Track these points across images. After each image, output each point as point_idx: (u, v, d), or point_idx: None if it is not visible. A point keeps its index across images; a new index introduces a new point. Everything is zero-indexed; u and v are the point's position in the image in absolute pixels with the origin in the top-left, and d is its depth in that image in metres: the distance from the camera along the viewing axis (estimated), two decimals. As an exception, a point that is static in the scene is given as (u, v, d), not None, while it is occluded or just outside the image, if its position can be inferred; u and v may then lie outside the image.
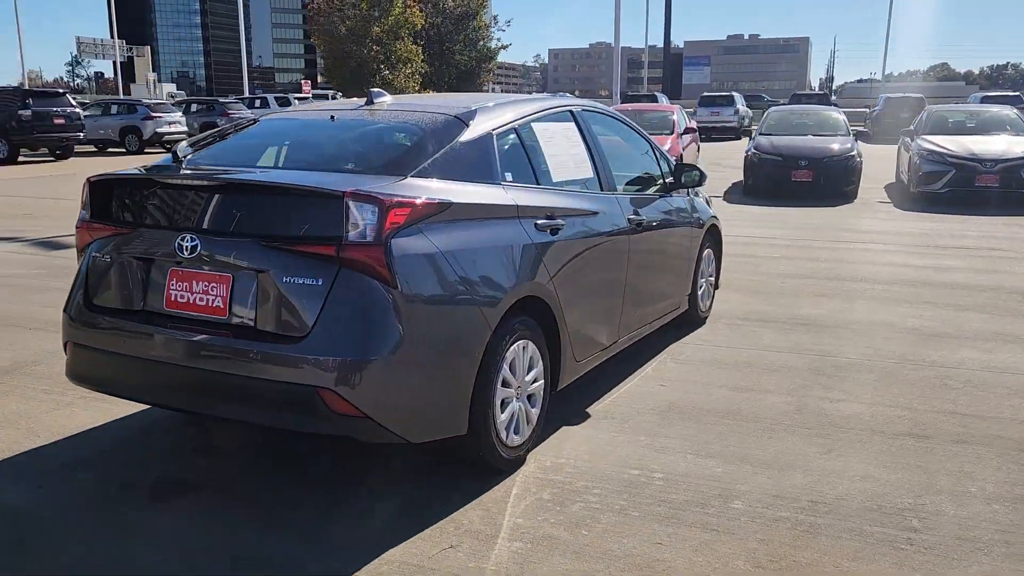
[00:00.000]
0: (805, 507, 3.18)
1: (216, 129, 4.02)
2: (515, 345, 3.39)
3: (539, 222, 3.58)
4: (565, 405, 4.15)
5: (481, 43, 25.40)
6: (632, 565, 2.78)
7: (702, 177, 5.23)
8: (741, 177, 14.67)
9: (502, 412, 3.35)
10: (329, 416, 2.82)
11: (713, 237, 5.92)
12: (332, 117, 3.82)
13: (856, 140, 14.07)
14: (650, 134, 5.39)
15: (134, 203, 3.29)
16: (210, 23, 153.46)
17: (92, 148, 27.03)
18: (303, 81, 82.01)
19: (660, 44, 44.65)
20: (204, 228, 3.04)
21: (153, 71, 74.38)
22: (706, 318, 5.88)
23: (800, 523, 3.06)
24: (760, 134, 14.74)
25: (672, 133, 13.83)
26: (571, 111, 4.33)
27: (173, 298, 3.04)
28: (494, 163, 3.51)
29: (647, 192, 5.01)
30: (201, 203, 3.11)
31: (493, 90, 37.40)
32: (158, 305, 3.08)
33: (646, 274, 4.69)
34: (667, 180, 5.09)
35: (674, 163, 5.33)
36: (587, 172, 4.23)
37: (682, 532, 2.99)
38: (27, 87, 29.21)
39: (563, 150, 4.07)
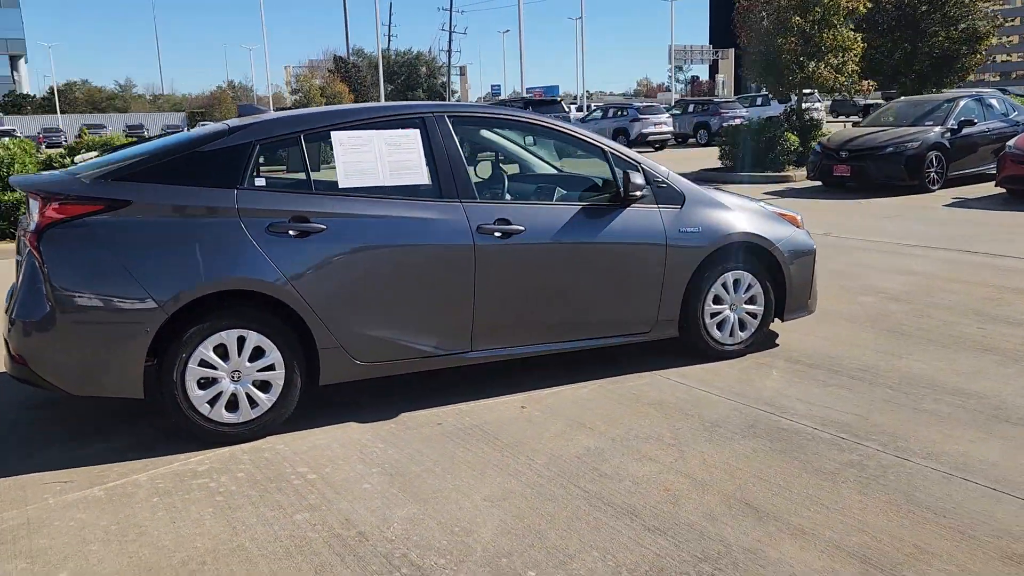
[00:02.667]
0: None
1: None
2: (224, 332, 3.80)
3: (274, 222, 3.88)
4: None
5: (966, 22, 21.12)
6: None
7: (644, 186, 4.59)
8: None
9: (201, 390, 3.81)
10: (11, 360, 3.73)
11: (753, 260, 5.01)
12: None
13: None
14: None
15: None
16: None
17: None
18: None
19: None
20: None
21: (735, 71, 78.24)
22: (735, 352, 5.04)
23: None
24: None
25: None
26: (424, 118, 4.35)
27: None
28: (241, 169, 3.92)
29: (558, 202, 4.66)
30: None
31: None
32: None
33: (537, 290, 4.43)
34: (630, 191, 4.59)
35: (654, 174, 4.77)
36: (420, 179, 4.24)
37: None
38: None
39: (370, 158, 4.17)
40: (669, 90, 67.24)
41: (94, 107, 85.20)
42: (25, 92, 75.58)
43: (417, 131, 4.31)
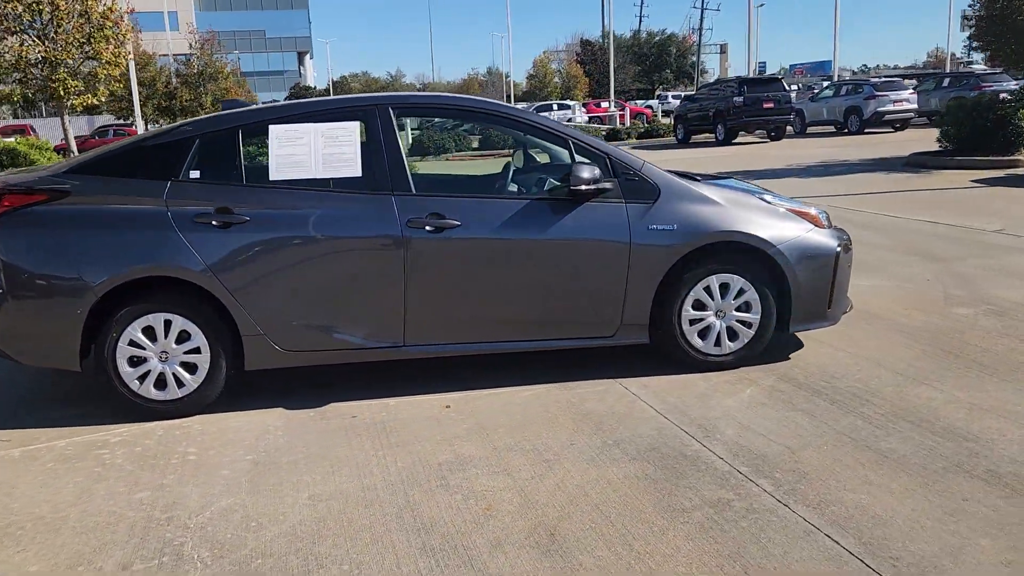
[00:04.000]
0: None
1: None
2: (152, 315, 4.10)
3: (199, 213, 4.09)
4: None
5: None
6: None
7: (593, 180, 4.23)
8: None
9: (131, 367, 4.13)
10: None
11: (746, 262, 4.48)
12: None
13: None
14: None
15: None
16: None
17: (831, 129, 27.93)
18: None
19: None
20: None
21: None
22: (723, 364, 4.55)
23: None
24: None
25: None
26: (365, 111, 4.34)
27: None
28: (178, 162, 4.17)
29: (503, 196, 4.48)
30: None
31: None
32: None
33: (478, 286, 4.30)
34: (572, 184, 4.31)
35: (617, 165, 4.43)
36: (353, 172, 4.25)
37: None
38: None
39: (304, 151, 4.24)
40: (971, 61, 59.49)
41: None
42: (308, 85, 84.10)
43: (357, 124, 4.32)
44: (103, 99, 17.61)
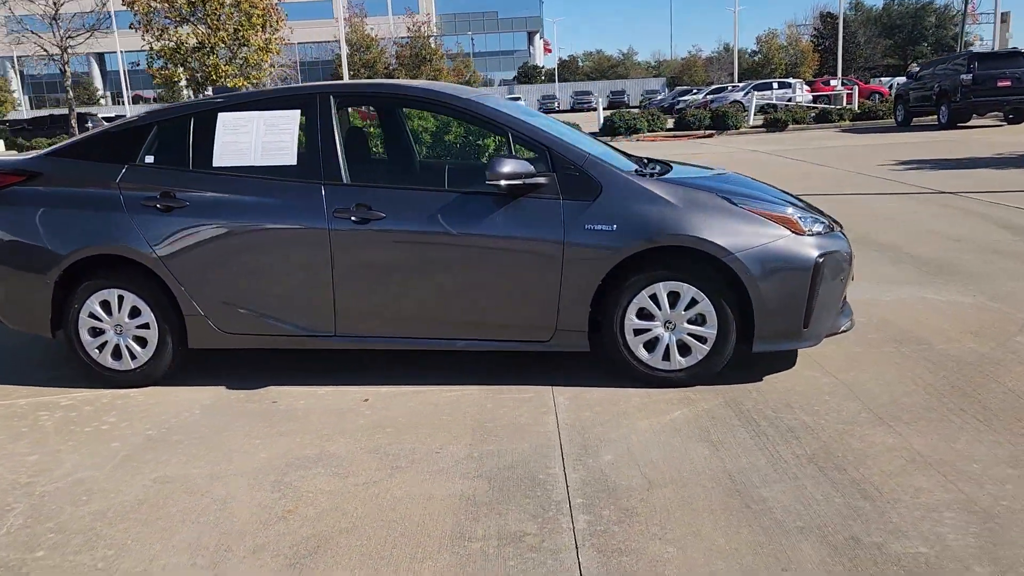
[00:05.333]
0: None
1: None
2: (104, 291, 4.41)
3: (146, 197, 4.33)
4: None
5: None
6: None
7: (515, 175, 3.95)
8: None
9: (91, 336, 4.47)
10: None
11: (699, 270, 4.03)
12: None
13: None
14: None
15: None
16: None
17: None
18: None
19: None
20: None
21: None
22: (675, 380, 4.13)
23: None
24: None
25: None
26: (306, 99, 4.35)
27: None
28: (136, 147, 4.43)
29: (433, 188, 4.34)
30: None
31: None
32: None
33: (403, 280, 4.21)
34: (487, 179, 4.06)
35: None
36: (289, 160, 4.29)
37: None
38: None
39: (244, 138, 4.32)
40: None
41: (601, 75, 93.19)
42: (536, 64, 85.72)
43: (297, 112, 4.34)
44: (257, 83, 19.01)
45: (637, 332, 4.12)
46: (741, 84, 44.44)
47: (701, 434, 3.58)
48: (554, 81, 75.54)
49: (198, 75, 17.21)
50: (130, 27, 17.05)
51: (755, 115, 30.18)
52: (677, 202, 4.06)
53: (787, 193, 4.77)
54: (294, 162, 4.28)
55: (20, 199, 4.49)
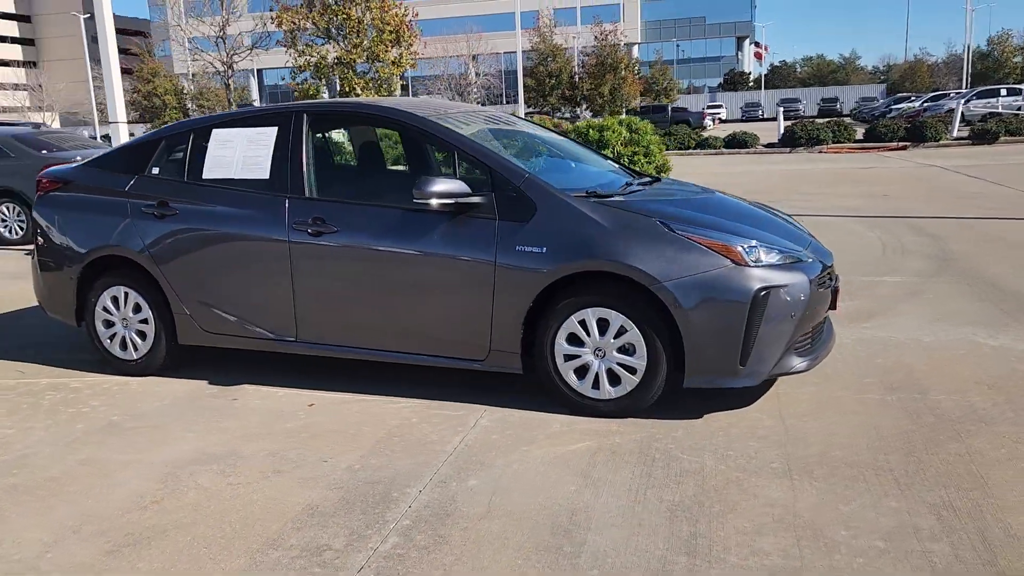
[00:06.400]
0: None
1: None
2: (114, 287, 4.93)
3: (146, 204, 4.79)
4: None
5: None
6: None
7: (446, 194, 3.98)
8: None
9: (105, 328, 5.01)
10: None
11: (629, 298, 3.87)
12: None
13: None
14: None
15: None
16: None
17: None
18: None
19: None
20: None
21: None
22: (605, 411, 3.99)
23: None
24: None
25: None
26: (284, 116, 4.61)
27: None
28: (147, 159, 4.90)
29: (381, 204, 4.42)
30: None
31: None
32: None
33: (352, 292, 4.38)
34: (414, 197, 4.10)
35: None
36: (262, 174, 4.58)
37: None
38: None
39: (230, 153, 4.65)
40: None
41: (820, 81, 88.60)
42: (743, 71, 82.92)
43: (275, 129, 4.62)
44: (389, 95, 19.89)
45: (568, 358, 4.01)
46: (964, 91, 40.66)
47: (585, 470, 3.45)
48: (761, 88, 72.72)
49: (336, 89, 18.39)
50: (277, 43, 18.57)
51: (963, 125, 27.50)
52: (611, 226, 3.92)
53: (791, 223, 4.49)
54: (267, 176, 4.56)
55: (57, 204, 5.11)
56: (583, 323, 3.95)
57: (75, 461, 3.76)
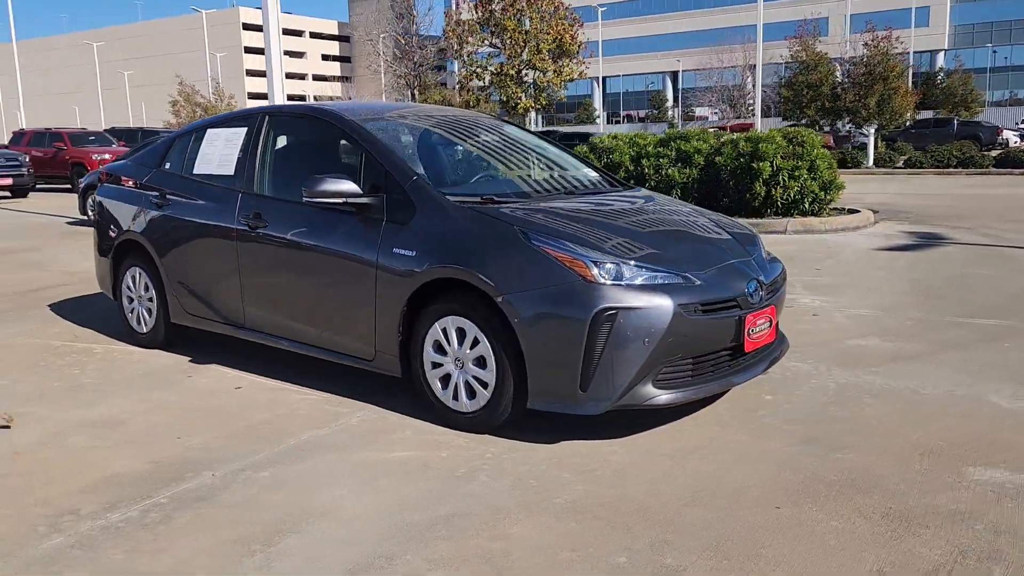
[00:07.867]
0: None
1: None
2: (132, 268, 5.59)
3: (154, 195, 5.37)
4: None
5: None
6: None
7: (334, 194, 4.03)
8: None
9: (128, 303, 5.67)
10: None
11: (481, 307, 3.71)
12: None
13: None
14: None
15: None
16: None
17: None
18: None
19: None
20: None
21: None
22: (467, 424, 3.83)
23: None
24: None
25: None
26: (251, 118, 4.94)
27: None
28: (164, 155, 5.49)
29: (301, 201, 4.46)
30: None
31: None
32: None
33: (278, 284, 4.61)
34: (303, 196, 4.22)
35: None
36: (228, 170, 4.94)
37: None
38: None
39: (214, 150, 5.05)
40: None
41: None
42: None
43: (244, 129, 4.97)
44: (541, 104, 20.12)
45: (434, 365, 3.92)
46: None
47: (372, 478, 3.37)
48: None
49: (504, 98, 18.69)
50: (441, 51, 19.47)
51: None
52: (476, 232, 3.79)
53: (730, 244, 4.06)
54: (232, 172, 4.91)
55: (104, 194, 5.88)
56: (445, 331, 3.83)
57: (22, 411, 4.30)
